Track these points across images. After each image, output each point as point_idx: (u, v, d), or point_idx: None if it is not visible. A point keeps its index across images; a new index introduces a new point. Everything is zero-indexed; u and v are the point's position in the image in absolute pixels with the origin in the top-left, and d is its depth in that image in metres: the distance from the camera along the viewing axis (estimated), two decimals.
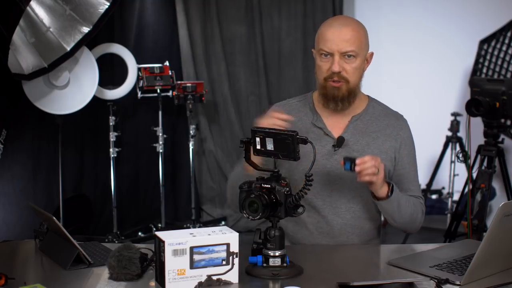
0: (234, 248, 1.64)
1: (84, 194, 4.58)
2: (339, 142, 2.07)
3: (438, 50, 4.96)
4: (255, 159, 1.83)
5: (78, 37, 3.88)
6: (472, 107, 3.35)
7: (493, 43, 4.46)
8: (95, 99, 4.20)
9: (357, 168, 1.87)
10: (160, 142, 4.62)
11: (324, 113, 2.13)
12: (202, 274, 1.62)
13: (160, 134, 4.61)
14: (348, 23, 2.05)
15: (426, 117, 4.98)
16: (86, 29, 3.90)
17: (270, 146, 1.74)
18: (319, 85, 2.10)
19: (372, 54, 2.12)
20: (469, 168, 3.43)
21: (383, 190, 1.97)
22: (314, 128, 2.11)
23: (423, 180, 4.81)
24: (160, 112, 4.60)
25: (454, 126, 4.44)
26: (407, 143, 2.13)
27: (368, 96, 2.21)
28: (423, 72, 5.04)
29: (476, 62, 4.51)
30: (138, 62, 4.52)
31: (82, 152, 4.59)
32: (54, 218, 1.87)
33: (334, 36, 2.01)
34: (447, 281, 1.64)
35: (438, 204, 4.85)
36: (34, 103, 3.93)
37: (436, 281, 1.65)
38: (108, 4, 3.90)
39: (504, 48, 4.44)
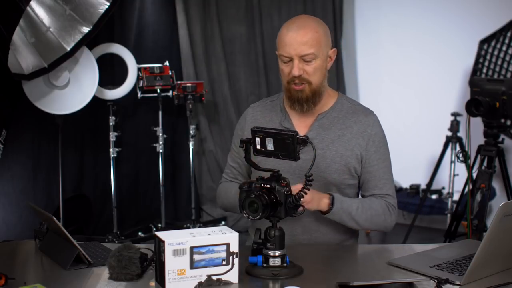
0: (234, 248, 1.64)
1: (84, 194, 4.58)
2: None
3: (438, 50, 4.95)
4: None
5: (78, 37, 3.88)
6: (472, 107, 3.35)
7: (493, 43, 4.46)
8: (95, 99, 4.20)
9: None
10: (160, 142, 4.62)
11: (292, 112, 2.13)
12: (202, 274, 1.62)
13: (160, 134, 4.61)
14: (305, 25, 2.01)
15: (426, 117, 4.98)
16: (86, 29, 3.90)
17: (270, 146, 1.74)
18: (283, 88, 2.10)
19: (334, 50, 2.09)
20: (469, 168, 3.43)
21: (322, 206, 1.96)
22: (281, 127, 2.11)
23: (423, 180, 4.81)
24: (160, 112, 4.60)
25: (454, 126, 4.44)
26: (375, 140, 2.10)
27: (338, 93, 2.19)
28: (423, 72, 5.04)
29: (476, 62, 4.51)
30: (138, 62, 4.52)
31: (82, 152, 4.59)
32: (54, 218, 1.87)
33: (292, 40, 1.99)
34: (447, 281, 1.64)
35: (438, 204, 4.84)
36: (34, 103, 3.93)
37: (436, 281, 1.65)
38: (108, 4, 3.90)
39: (504, 48, 4.44)
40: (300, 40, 1.98)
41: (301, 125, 2.11)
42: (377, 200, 2.08)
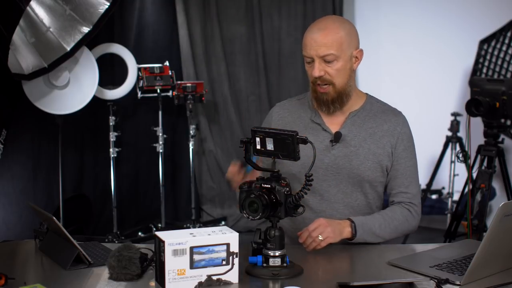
0: (234, 248, 1.64)
1: (84, 194, 4.58)
2: (337, 137, 2.09)
3: (438, 50, 4.96)
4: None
5: (78, 37, 3.89)
6: (472, 107, 3.35)
7: (493, 43, 4.46)
8: (95, 99, 4.20)
9: (300, 240, 1.94)
10: (160, 142, 4.62)
11: (321, 111, 2.15)
12: (202, 274, 1.62)
13: (160, 134, 4.61)
14: (326, 26, 2.02)
15: (426, 117, 4.98)
16: (86, 29, 3.90)
17: (270, 146, 1.74)
18: (310, 88, 2.13)
19: (361, 51, 2.10)
20: (469, 168, 3.43)
21: (345, 234, 1.99)
22: (312, 124, 2.14)
23: (423, 180, 4.81)
24: (160, 112, 4.60)
25: (454, 126, 4.44)
26: (404, 139, 2.13)
27: (367, 94, 2.21)
28: (423, 72, 5.04)
29: (476, 62, 4.51)
30: (138, 62, 4.52)
31: (82, 152, 4.59)
32: (54, 218, 1.87)
33: (312, 42, 2.01)
34: (447, 281, 1.64)
35: (438, 204, 4.85)
36: (34, 103, 3.93)
37: (436, 281, 1.65)
38: (108, 4, 3.90)
39: (504, 48, 4.44)
40: (320, 41, 2.00)
41: (332, 122, 2.13)
42: (398, 208, 2.11)
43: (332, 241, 1.94)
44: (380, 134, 2.11)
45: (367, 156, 2.09)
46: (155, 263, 1.66)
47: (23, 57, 3.70)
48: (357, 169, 2.08)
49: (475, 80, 3.64)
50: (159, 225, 4.72)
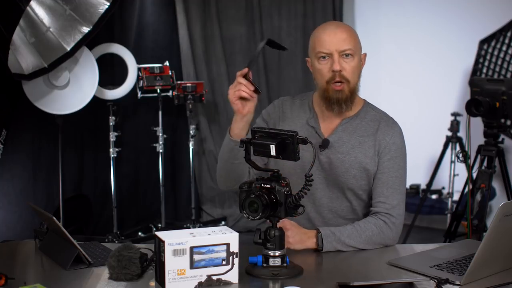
0: (234, 248, 1.64)
1: (84, 194, 4.58)
2: (324, 144, 2.09)
3: (438, 50, 4.95)
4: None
5: (78, 37, 3.89)
6: (472, 107, 3.35)
7: (493, 43, 4.46)
8: (95, 99, 4.20)
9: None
10: (160, 142, 4.63)
11: (320, 113, 2.14)
12: (202, 274, 1.62)
13: (160, 134, 4.62)
14: (341, 25, 2.11)
15: (426, 117, 4.98)
16: (86, 29, 3.90)
17: None
18: (320, 90, 2.09)
19: (365, 55, 2.13)
20: (469, 168, 3.43)
21: (309, 244, 1.95)
22: (307, 126, 2.14)
23: (423, 180, 4.81)
24: (160, 112, 4.60)
25: (454, 126, 4.44)
26: (391, 149, 2.09)
27: (365, 101, 2.20)
28: (423, 72, 5.04)
29: (476, 62, 4.51)
30: (138, 62, 4.52)
31: (82, 152, 4.59)
32: (54, 218, 1.87)
33: (331, 37, 2.04)
34: (447, 281, 1.64)
35: (438, 204, 4.84)
36: (34, 103, 3.93)
37: (436, 281, 1.65)
38: (108, 4, 3.90)
39: (504, 48, 4.44)
40: (339, 37, 2.04)
41: (326, 127, 2.13)
42: (372, 219, 2.04)
43: (290, 247, 1.91)
44: (369, 144, 2.09)
45: (353, 164, 2.07)
46: (155, 263, 1.66)
47: (23, 57, 3.70)
48: (341, 176, 2.07)
49: (475, 80, 3.64)
50: (159, 225, 4.72)
